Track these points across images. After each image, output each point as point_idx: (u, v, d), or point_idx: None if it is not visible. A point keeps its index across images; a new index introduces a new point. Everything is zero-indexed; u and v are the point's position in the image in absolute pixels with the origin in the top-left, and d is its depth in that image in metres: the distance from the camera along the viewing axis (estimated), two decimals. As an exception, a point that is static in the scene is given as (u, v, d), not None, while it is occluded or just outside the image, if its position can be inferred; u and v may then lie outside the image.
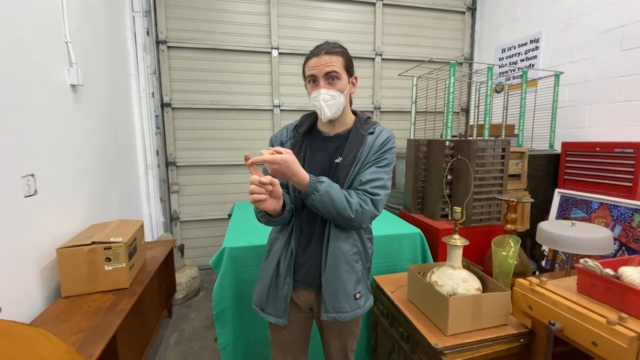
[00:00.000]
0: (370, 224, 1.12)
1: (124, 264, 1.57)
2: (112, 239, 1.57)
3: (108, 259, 1.54)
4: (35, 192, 1.46)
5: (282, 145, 1.08)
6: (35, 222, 1.46)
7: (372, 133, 1.04)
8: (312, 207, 0.96)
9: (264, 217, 1.00)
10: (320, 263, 1.05)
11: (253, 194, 0.85)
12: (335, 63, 0.97)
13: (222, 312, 1.53)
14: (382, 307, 1.53)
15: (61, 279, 1.49)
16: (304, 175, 0.90)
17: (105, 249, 1.54)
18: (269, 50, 3.09)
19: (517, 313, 1.25)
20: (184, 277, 2.57)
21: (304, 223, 1.06)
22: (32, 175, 1.45)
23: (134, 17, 2.77)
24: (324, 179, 0.94)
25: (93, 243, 1.53)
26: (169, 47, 2.93)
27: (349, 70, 1.02)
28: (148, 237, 2.95)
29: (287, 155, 0.86)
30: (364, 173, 1.00)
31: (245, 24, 3.06)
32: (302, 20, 3.17)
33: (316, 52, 0.98)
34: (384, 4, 3.30)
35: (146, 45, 2.83)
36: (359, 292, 1.10)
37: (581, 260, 1.16)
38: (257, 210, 1.00)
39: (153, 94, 2.89)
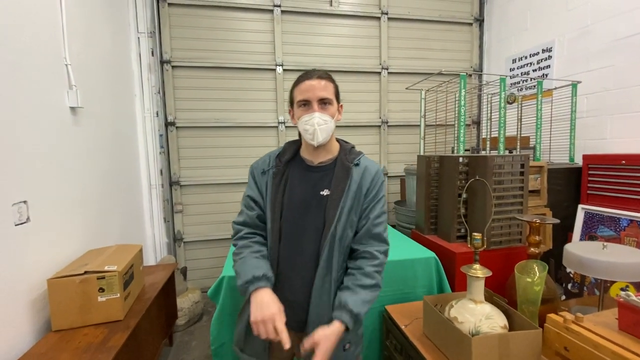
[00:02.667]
0: None
1: (118, 295, 1.48)
2: (106, 268, 1.49)
3: (101, 290, 1.45)
4: (28, 219, 1.40)
5: (263, 173, 1.02)
6: (26, 251, 1.39)
7: (357, 165, 0.99)
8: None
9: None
10: (307, 305, 0.96)
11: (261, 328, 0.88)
12: (328, 88, 0.96)
13: (221, 347, 1.41)
14: (395, 342, 1.39)
15: (52, 311, 1.41)
16: (340, 327, 0.91)
17: (98, 278, 1.45)
18: (273, 67, 3.06)
19: (548, 351, 1.11)
20: (186, 301, 2.47)
21: (283, 254, 0.99)
22: (25, 202, 1.38)
23: (138, 38, 2.78)
24: (354, 302, 0.92)
25: (86, 272, 1.44)
26: (173, 66, 2.92)
27: (337, 97, 1.01)
28: (151, 259, 2.87)
29: (327, 343, 0.87)
30: (370, 217, 0.97)
31: (249, 41, 3.04)
32: (307, 37, 3.14)
33: (308, 76, 0.97)
34: (389, 18, 3.26)
35: (151, 65, 2.83)
36: (349, 343, 1.00)
37: (622, 294, 1.03)
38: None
39: (157, 114, 2.87)
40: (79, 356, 1.25)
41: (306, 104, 0.95)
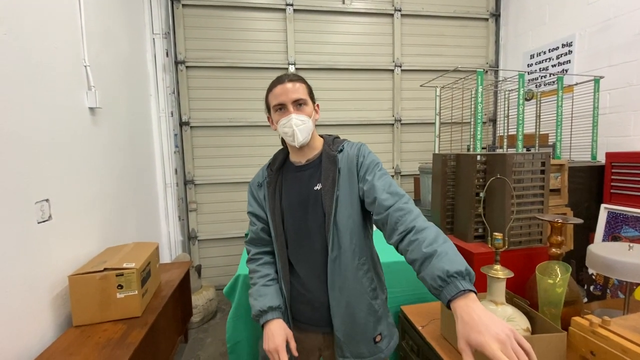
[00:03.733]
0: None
1: (136, 292, 1.50)
2: (124, 265, 1.51)
3: (120, 286, 1.48)
4: (50, 217, 1.44)
5: (260, 186, 1.05)
6: (49, 248, 1.42)
7: (341, 151, 0.99)
8: None
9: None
10: (327, 302, 0.96)
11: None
12: (301, 90, 0.96)
13: (237, 345, 1.42)
14: (411, 343, 1.37)
15: (73, 307, 1.44)
16: (468, 299, 0.66)
17: (117, 275, 1.48)
18: (285, 66, 3.06)
19: (572, 354, 1.07)
20: (200, 299, 2.50)
21: (295, 258, 1.00)
22: (47, 200, 1.42)
23: (154, 39, 2.82)
24: (451, 262, 0.70)
25: (105, 269, 1.47)
26: (187, 66, 2.96)
27: (312, 97, 1.01)
28: (166, 257, 2.92)
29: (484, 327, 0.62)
30: (376, 185, 0.89)
31: (262, 41, 3.05)
32: (319, 35, 3.14)
33: (280, 80, 0.97)
34: (402, 15, 3.22)
35: (165, 66, 2.87)
36: (379, 334, 0.99)
37: (652, 296, 0.98)
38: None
39: (172, 113, 2.91)
40: (99, 351, 1.27)
41: (282, 107, 0.96)
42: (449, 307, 0.67)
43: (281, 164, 1.05)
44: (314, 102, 1.02)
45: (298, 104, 0.96)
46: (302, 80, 0.99)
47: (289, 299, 1.01)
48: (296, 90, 0.95)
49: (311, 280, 0.99)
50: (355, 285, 0.96)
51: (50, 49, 1.51)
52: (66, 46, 1.63)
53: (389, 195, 0.87)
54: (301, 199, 0.98)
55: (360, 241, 0.97)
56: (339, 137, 1.06)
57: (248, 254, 1.09)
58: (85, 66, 1.77)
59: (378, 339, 0.99)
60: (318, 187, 0.97)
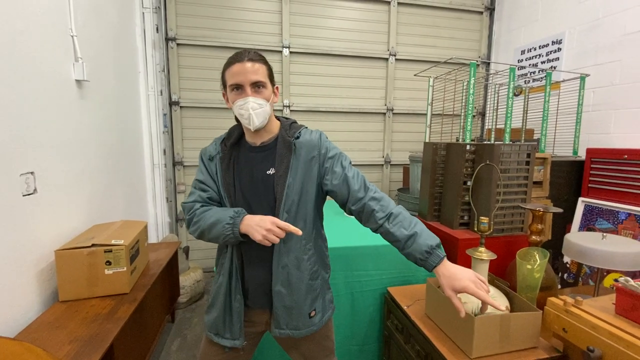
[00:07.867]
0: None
1: (125, 268, 1.50)
2: (113, 242, 1.50)
3: (108, 263, 1.47)
4: (35, 190, 1.40)
5: (211, 160, 1.02)
6: (34, 221, 1.39)
7: (298, 137, 0.99)
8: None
9: (235, 239, 0.93)
10: (269, 282, 0.99)
11: (271, 234, 0.88)
12: (261, 71, 0.93)
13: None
14: (396, 322, 1.42)
15: (59, 282, 1.42)
16: (445, 264, 0.94)
17: (105, 251, 1.46)
18: (279, 49, 3.02)
19: (545, 333, 1.15)
20: (188, 280, 2.50)
21: (241, 243, 0.99)
22: (32, 173, 1.38)
23: (143, 13, 2.72)
24: (429, 237, 0.94)
25: (93, 245, 1.46)
26: (178, 44, 2.88)
27: (272, 79, 0.99)
28: (153, 238, 2.89)
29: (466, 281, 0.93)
30: (347, 182, 0.97)
31: (256, 21, 2.99)
32: (315, 19, 3.09)
33: (239, 58, 0.92)
34: (399, 3, 3.21)
35: (155, 42, 2.78)
36: (314, 310, 1.04)
37: (621, 279, 1.05)
38: (228, 233, 0.92)
39: (161, 92, 2.84)
40: (88, 325, 1.27)
41: (238, 87, 0.93)
42: (431, 270, 0.93)
43: (236, 140, 1.02)
44: (273, 85, 0.99)
45: (256, 86, 0.93)
46: (262, 60, 0.95)
47: (241, 277, 1.00)
48: (255, 72, 0.91)
49: (258, 260, 0.99)
50: (298, 269, 0.99)
51: (36, 14, 1.45)
52: (52, 13, 1.56)
53: (360, 187, 0.97)
54: (253, 181, 0.98)
55: (309, 227, 1.00)
56: (296, 122, 1.05)
57: (192, 208, 0.99)
58: (72, 36, 1.70)
59: (312, 314, 1.04)
60: (271, 171, 0.96)
